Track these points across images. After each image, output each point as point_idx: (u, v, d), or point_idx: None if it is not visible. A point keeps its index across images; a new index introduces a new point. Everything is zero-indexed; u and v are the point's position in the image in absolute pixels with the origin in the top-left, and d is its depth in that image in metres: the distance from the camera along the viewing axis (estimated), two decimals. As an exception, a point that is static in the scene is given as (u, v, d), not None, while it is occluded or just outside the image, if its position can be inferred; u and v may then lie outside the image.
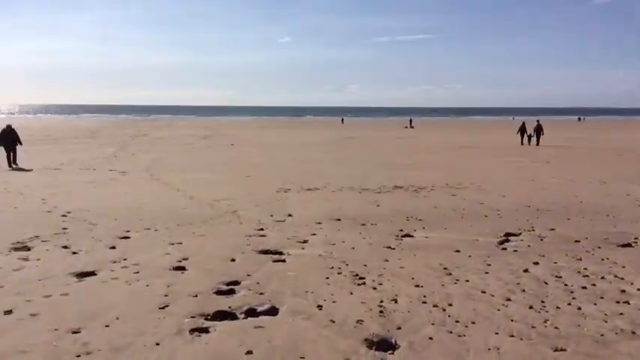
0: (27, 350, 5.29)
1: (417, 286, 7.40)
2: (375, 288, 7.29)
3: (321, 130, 61.03)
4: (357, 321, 6.12)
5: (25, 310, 6.36)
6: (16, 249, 9.02)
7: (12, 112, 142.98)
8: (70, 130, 51.46)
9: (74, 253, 8.87)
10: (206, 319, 6.18)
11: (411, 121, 76.13)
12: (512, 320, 6.15)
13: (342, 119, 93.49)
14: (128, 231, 10.38)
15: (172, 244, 9.54)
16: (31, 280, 7.44)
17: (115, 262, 8.37)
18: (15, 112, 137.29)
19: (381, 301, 6.76)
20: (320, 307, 6.58)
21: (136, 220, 11.31)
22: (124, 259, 8.49)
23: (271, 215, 12.13)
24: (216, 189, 15.82)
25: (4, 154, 21.90)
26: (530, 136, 35.75)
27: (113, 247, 9.21)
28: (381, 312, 6.42)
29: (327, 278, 7.69)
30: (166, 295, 6.90)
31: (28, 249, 9.05)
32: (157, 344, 5.48)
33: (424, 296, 6.98)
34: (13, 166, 21.49)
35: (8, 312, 6.29)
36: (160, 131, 53.09)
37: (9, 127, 22.29)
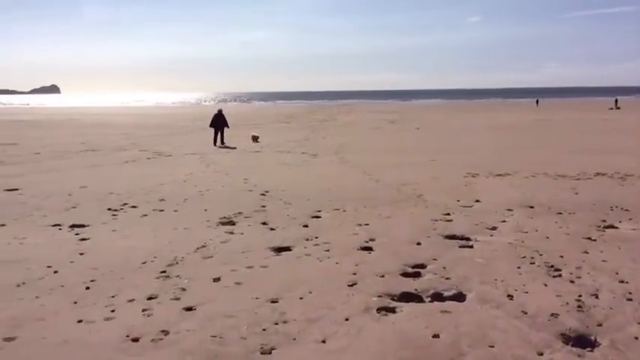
0: (232, 315, 5.87)
1: (622, 281, 6.73)
2: (572, 281, 6.78)
3: (513, 112, 57.92)
4: (552, 314, 5.76)
5: (231, 278, 7.06)
6: (223, 223, 10.02)
7: (219, 99, 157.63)
8: (267, 116, 55.42)
9: (272, 229, 9.61)
10: (392, 300, 6.29)
11: (616, 101, 68.62)
12: None
13: (537, 101, 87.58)
14: (319, 211, 10.93)
15: (360, 225, 9.83)
16: (235, 252, 8.22)
17: (307, 239, 8.89)
18: (221, 100, 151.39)
19: (580, 296, 6.27)
20: (510, 296, 6.32)
21: (326, 201, 11.86)
22: (316, 237, 8.97)
23: (458, 200, 11.88)
24: (402, 172, 15.92)
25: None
26: None
27: (306, 226, 9.79)
28: (579, 307, 5.96)
29: (519, 268, 7.34)
30: (354, 274, 7.16)
31: (233, 224, 9.99)
32: (347, 319, 5.72)
33: (629, 293, 6.33)
34: (219, 145, 24.77)
35: (217, 279, 7.03)
36: (348, 116, 54.79)
37: (220, 111, 25.97)
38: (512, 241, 8.61)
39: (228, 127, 25.94)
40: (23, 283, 6.87)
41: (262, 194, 12.79)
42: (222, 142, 25.31)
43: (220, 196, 12.66)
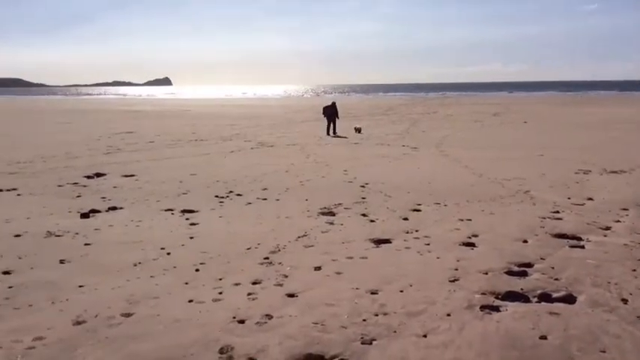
0: (333, 303, 5.96)
1: None
2: (698, 289, 6.25)
3: (631, 106, 53.93)
4: (673, 323, 5.35)
5: (331, 268, 7.17)
6: (324, 213, 10.17)
7: (319, 91, 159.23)
8: (366, 108, 55.38)
9: (372, 221, 9.63)
10: (496, 298, 6.12)
11: None
12: None
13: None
14: (419, 204, 10.81)
15: (462, 220, 9.62)
16: (335, 242, 8.33)
17: (407, 232, 8.83)
18: (320, 92, 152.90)
19: None
20: (625, 300, 5.94)
21: (427, 195, 11.70)
22: (416, 231, 8.89)
23: (568, 198, 11.28)
24: (507, 167, 15.35)
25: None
26: None
27: (406, 219, 9.71)
28: None
29: (634, 270, 6.88)
30: (456, 269, 7.03)
31: (333, 214, 10.12)
32: (448, 315, 5.64)
33: None
34: (331, 134, 26.11)
35: (317, 268, 7.16)
36: (449, 108, 53.52)
37: (333, 103, 27.34)
38: (627, 243, 8.08)
39: (338, 117, 27.08)
40: (139, 263, 7.37)
41: (362, 186, 12.83)
42: (334, 132, 26.41)
43: (321, 187, 12.85)
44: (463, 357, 4.83)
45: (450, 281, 6.62)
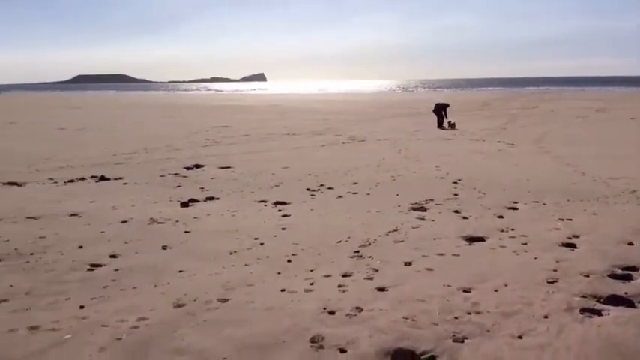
0: (423, 299, 5.89)
1: None
2: None
3: None
4: None
5: (422, 263, 7.08)
6: (415, 209, 10.06)
7: (410, 86, 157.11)
8: (459, 103, 54.08)
9: (464, 218, 9.40)
10: (598, 301, 5.79)
11: None
12: None
13: None
14: (516, 202, 10.42)
15: (561, 219, 9.18)
16: (426, 238, 8.22)
17: (502, 230, 8.54)
18: (410, 87, 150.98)
19: None
20: None
21: (524, 192, 11.26)
22: (512, 229, 8.58)
23: (682, 199, 10.46)
24: (612, 165, 14.44)
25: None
26: None
27: (501, 217, 9.40)
28: None
29: None
30: (555, 270, 6.72)
31: (424, 210, 9.98)
32: (545, 317, 5.41)
33: None
34: (444, 127, 26.95)
35: (408, 263, 7.10)
36: (551, 103, 51.06)
37: (444, 103, 28.28)
38: None
39: (445, 112, 27.61)
40: (235, 252, 7.65)
41: (454, 182, 12.55)
42: (440, 125, 27.06)
43: (412, 182, 12.71)
44: (561, 361, 4.63)
45: (548, 282, 6.34)
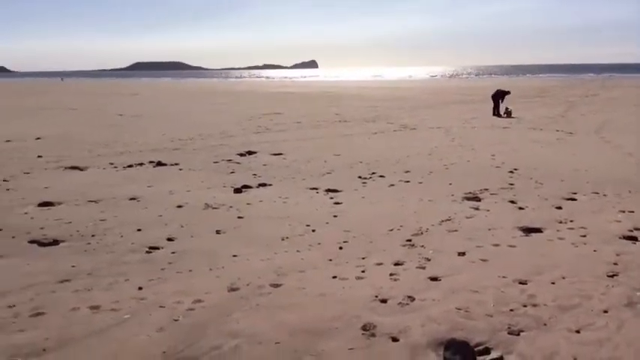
0: (477, 290, 5.80)
1: None
2: None
3: None
4: None
5: (476, 254, 6.96)
6: (468, 198, 9.88)
7: (457, 74, 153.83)
8: (515, 90, 52.60)
9: (520, 208, 9.18)
10: (662, 298, 5.57)
11: None
12: None
13: None
14: (575, 193, 10.10)
15: (623, 211, 8.84)
16: (480, 228, 8.07)
17: (560, 222, 8.30)
18: (458, 74, 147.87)
19: None
20: None
21: (583, 183, 10.89)
22: (571, 221, 8.33)
23: None
24: (680, 156, 13.77)
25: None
26: None
27: (559, 208, 9.14)
28: None
29: None
30: (615, 264, 6.49)
31: (479, 199, 9.80)
32: (605, 311, 5.24)
33: None
34: (500, 114, 26.30)
35: (462, 254, 7.00)
36: (612, 91, 49.03)
37: (503, 90, 27.72)
38: None
39: (502, 101, 26.97)
40: (287, 238, 7.73)
41: (510, 171, 12.26)
42: (497, 112, 26.42)
43: (465, 171, 12.49)
44: (620, 356, 4.48)
45: (609, 276, 6.13)
